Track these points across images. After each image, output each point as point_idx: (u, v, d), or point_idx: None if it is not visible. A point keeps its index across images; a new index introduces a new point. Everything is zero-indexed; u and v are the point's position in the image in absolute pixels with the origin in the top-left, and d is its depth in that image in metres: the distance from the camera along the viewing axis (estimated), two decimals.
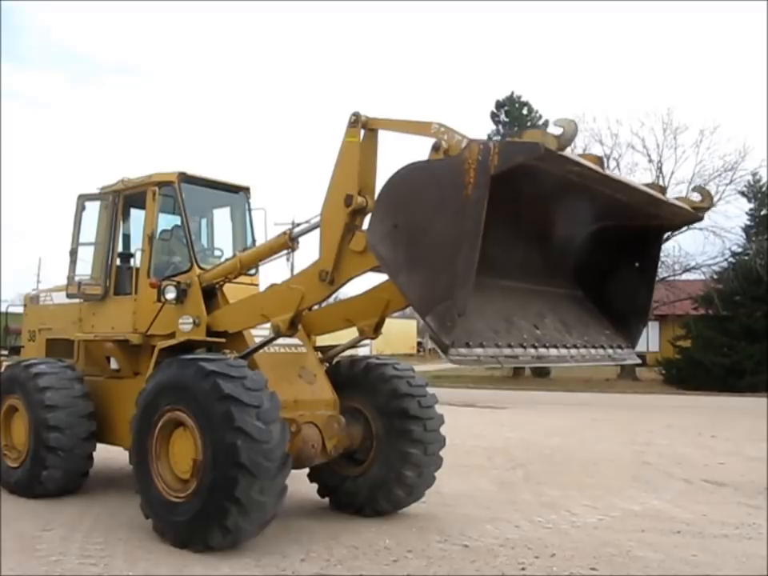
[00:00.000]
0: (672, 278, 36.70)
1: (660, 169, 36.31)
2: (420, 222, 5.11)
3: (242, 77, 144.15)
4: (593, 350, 6.41)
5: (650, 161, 36.30)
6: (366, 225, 6.33)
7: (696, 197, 6.47)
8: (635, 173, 35.40)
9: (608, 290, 6.69)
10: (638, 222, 6.49)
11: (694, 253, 36.18)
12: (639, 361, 7.49)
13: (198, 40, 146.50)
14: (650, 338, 46.48)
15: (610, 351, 6.58)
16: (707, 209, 6.46)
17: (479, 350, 5.33)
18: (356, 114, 6.44)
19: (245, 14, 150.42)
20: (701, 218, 6.59)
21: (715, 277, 35.75)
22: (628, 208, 6.11)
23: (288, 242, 7.38)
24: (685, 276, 37.13)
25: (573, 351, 6.19)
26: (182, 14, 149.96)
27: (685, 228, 34.70)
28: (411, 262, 5.15)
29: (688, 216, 6.49)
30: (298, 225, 7.22)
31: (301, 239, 7.32)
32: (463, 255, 4.80)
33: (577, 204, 5.95)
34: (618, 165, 36.03)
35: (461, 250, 4.82)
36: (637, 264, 6.70)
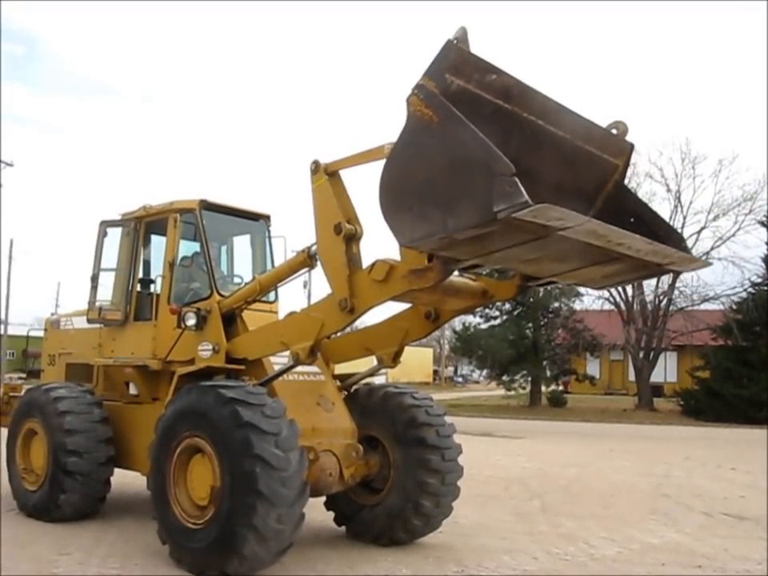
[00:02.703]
0: (691, 308, 36.49)
1: (678, 198, 36.28)
2: (425, 182, 4.92)
3: (260, 107, 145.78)
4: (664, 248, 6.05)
5: (669, 190, 36.30)
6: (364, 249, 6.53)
7: (613, 131, 6.36)
8: (653, 202, 35.27)
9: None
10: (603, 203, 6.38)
11: (712, 283, 36.04)
12: (711, 263, 6.96)
13: (215, 65, 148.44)
14: (668, 368, 46.30)
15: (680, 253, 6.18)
16: (626, 133, 6.35)
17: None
18: (315, 162, 6.85)
19: (266, 39, 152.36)
20: (632, 145, 6.46)
21: (734, 307, 35.33)
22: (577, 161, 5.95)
23: (307, 260, 7.38)
24: (703, 306, 36.88)
25: (649, 242, 5.80)
26: (199, 40, 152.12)
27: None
28: (446, 205, 4.85)
29: (621, 145, 6.31)
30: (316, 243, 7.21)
31: None
32: (476, 146, 4.58)
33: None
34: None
35: (469, 146, 4.62)
36: (632, 219, 6.45)
